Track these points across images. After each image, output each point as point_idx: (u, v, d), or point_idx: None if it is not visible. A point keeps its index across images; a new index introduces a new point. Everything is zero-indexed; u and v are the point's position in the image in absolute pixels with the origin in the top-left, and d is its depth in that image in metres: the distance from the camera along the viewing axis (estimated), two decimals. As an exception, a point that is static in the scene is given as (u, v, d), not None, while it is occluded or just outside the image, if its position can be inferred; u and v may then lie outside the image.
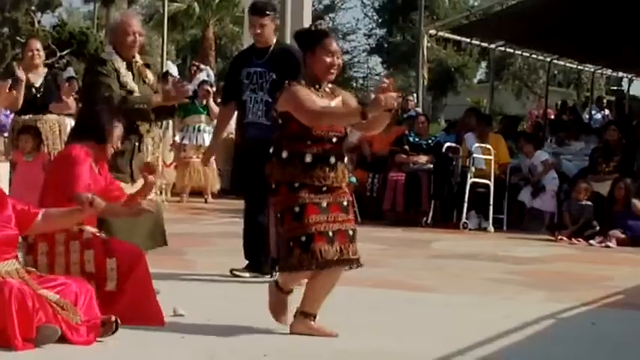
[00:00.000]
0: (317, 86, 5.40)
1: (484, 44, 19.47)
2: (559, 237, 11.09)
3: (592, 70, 25.52)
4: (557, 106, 25.83)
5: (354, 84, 47.43)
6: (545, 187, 12.26)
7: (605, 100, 25.39)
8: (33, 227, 5.29)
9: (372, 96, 5.22)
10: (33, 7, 38.89)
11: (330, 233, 5.26)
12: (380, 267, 8.22)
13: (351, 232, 5.36)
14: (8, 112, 9.83)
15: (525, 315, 6.25)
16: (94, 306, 5.14)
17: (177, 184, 13.60)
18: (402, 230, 11.50)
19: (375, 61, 51.85)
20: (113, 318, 5.08)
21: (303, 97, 5.27)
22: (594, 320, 6.36)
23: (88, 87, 6.73)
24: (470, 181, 12.00)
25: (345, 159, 5.49)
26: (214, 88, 14.35)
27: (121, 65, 6.67)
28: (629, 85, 28.28)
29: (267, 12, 7.48)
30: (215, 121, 13.76)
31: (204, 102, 13.70)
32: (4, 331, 4.76)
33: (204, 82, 14.15)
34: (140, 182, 6.43)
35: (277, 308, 5.50)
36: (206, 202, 13.82)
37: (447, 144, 12.59)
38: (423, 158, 12.48)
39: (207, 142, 13.69)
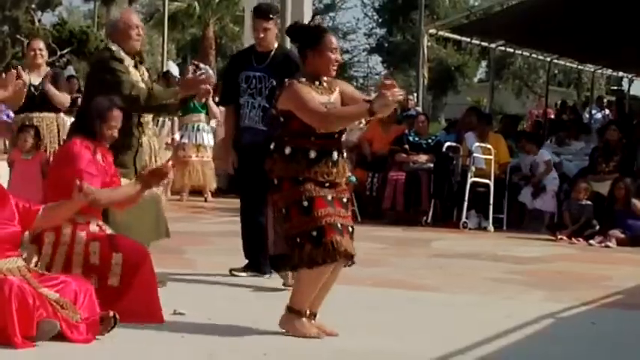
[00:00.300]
0: (317, 82, 5.39)
1: (484, 44, 19.46)
2: (559, 237, 11.09)
3: (592, 69, 25.52)
4: (556, 105, 25.83)
5: (355, 83, 47.45)
6: (545, 188, 12.26)
7: (605, 100, 25.39)
8: (35, 224, 5.31)
9: (373, 95, 5.22)
10: (33, 6, 38.89)
11: (339, 225, 5.24)
12: (380, 266, 8.23)
13: (351, 229, 5.36)
14: (10, 112, 9.81)
15: (525, 314, 6.25)
16: (94, 304, 5.15)
17: (176, 183, 13.60)
18: (402, 229, 11.49)
19: (376, 60, 51.99)
20: (111, 313, 5.08)
21: (307, 98, 5.22)
22: (594, 320, 6.36)
23: (110, 86, 6.39)
24: (470, 180, 12.00)
25: (345, 154, 5.48)
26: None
27: (130, 63, 6.65)
28: (630, 85, 28.30)
29: (272, 16, 7.39)
30: (213, 120, 13.91)
31: (204, 101, 13.69)
32: (5, 329, 4.77)
33: (203, 81, 14.12)
34: None
35: (307, 329, 5.37)
36: (206, 200, 13.83)
37: (448, 143, 12.60)
38: (423, 157, 12.48)
39: (206, 141, 13.73)
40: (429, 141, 12.76)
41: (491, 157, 12.17)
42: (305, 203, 5.21)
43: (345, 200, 5.37)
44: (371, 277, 7.41)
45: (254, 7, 7.68)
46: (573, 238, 11.02)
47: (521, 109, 36.69)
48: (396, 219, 12.18)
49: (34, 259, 5.50)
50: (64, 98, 9.18)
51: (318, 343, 5.27)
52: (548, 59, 22.19)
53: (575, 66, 25.15)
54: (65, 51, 32.94)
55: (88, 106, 5.98)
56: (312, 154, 5.26)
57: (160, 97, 6.55)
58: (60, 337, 4.90)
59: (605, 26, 16.57)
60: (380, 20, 49.99)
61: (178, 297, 6.08)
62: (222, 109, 10.34)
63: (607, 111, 23.19)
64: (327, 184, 5.28)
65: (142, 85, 6.60)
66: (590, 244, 10.84)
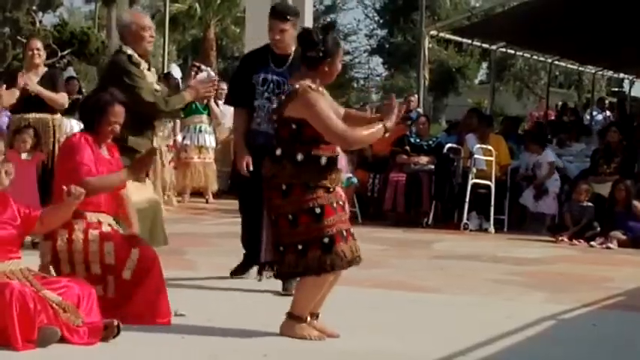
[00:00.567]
0: (320, 88, 5.38)
1: (485, 45, 19.51)
2: (560, 238, 11.09)
3: (593, 71, 25.54)
4: (557, 107, 25.84)
5: (355, 84, 47.48)
6: (547, 190, 12.26)
7: (606, 102, 25.40)
8: (35, 229, 5.32)
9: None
10: (34, 7, 38.87)
11: (344, 232, 5.26)
12: (381, 267, 8.23)
13: (352, 230, 5.37)
14: (9, 114, 9.80)
15: (526, 316, 6.25)
16: (97, 310, 5.15)
17: (178, 185, 13.61)
18: (403, 231, 11.50)
19: (376, 61, 52.01)
20: (115, 322, 5.08)
21: (327, 115, 5.18)
22: (595, 321, 6.35)
23: (129, 90, 6.23)
24: (471, 181, 12.01)
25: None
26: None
27: (145, 66, 6.58)
28: (631, 87, 28.33)
29: (289, 17, 6.99)
30: (214, 121, 13.91)
31: (205, 102, 13.69)
32: (5, 333, 4.76)
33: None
34: (151, 186, 6.51)
35: (308, 333, 5.37)
36: (207, 202, 13.84)
37: (448, 145, 12.61)
38: (424, 159, 12.49)
39: (208, 143, 13.74)
40: (430, 142, 12.77)
41: (492, 158, 12.18)
42: (317, 210, 5.20)
43: (341, 203, 5.37)
44: (372, 279, 7.41)
45: (271, 7, 7.27)
46: (574, 240, 11.02)
47: (522, 111, 36.66)
48: (396, 220, 12.19)
49: (48, 257, 5.52)
50: (61, 98, 9.16)
51: (318, 344, 5.27)
52: (549, 61, 22.24)
53: (575, 67, 25.18)
54: (66, 52, 32.88)
55: (89, 101, 5.98)
56: (324, 161, 5.27)
57: (176, 103, 6.56)
58: (60, 340, 4.89)
59: (606, 27, 16.58)
60: (381, 21, 49.95)
61: (179, 298, 6.08)
62: (230, 109, 10.28)
63: (608, 112, 23.21)
64: (330, 190, 5.29)
65: (159, 88, 6.61)
66: (591, 246, 10.84)
